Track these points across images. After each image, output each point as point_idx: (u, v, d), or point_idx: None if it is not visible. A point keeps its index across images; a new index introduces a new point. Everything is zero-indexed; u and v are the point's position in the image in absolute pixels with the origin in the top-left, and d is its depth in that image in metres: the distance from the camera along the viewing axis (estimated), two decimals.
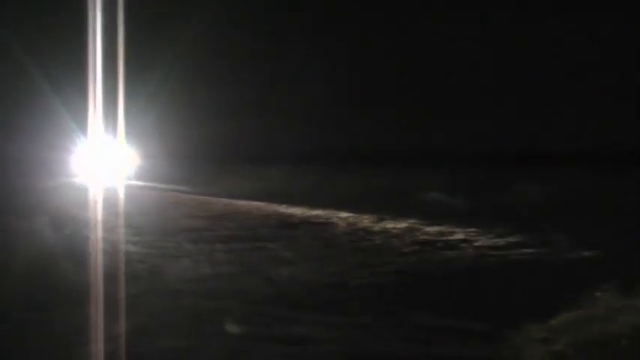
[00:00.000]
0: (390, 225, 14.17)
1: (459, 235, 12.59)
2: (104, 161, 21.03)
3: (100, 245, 10.99)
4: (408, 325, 7.17)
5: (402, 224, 14.11)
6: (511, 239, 11.97)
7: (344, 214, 15.98)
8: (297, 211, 17.26)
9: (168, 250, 11.48)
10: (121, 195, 18.42)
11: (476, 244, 11.79)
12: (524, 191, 17.94)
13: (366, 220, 15.03)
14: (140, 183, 23.56)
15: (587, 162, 20.58)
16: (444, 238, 12.51)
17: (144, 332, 6.78)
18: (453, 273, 9.94)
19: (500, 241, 11.84)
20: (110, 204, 15.54)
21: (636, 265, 9.24)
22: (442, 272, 10.00)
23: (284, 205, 18.29)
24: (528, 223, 12.97)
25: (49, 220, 13.56)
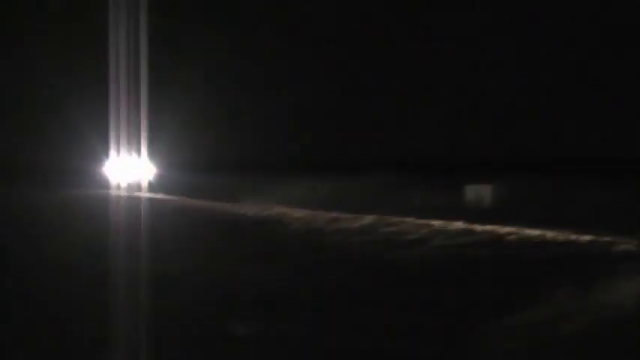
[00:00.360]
0: (344, 225, 14.00)
1: (417, 235, 12.45)
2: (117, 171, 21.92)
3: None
4: (363, 323, 7.03)
5: (357, 224, 13.94)
6: (471, 238, 11.88)
7: (298, 214, 15.76)
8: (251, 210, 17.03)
9: (118, 250, 11.09)
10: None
11: (433, 242, 11.67)
12: (484, 192, 18.10)
13: (320, 220, 14.81)
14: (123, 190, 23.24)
15: (556, 167, 21.01)
16: (401, 237, 12.36)
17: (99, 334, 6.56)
18: (409, 272, 9.83)
19: (460, 240, 11.74)
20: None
21: (596, 263, 9.24)
22: (397, 271, 9.89)
23: (238, 205, 18.16)
24: (487, 222, 12.90)
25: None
